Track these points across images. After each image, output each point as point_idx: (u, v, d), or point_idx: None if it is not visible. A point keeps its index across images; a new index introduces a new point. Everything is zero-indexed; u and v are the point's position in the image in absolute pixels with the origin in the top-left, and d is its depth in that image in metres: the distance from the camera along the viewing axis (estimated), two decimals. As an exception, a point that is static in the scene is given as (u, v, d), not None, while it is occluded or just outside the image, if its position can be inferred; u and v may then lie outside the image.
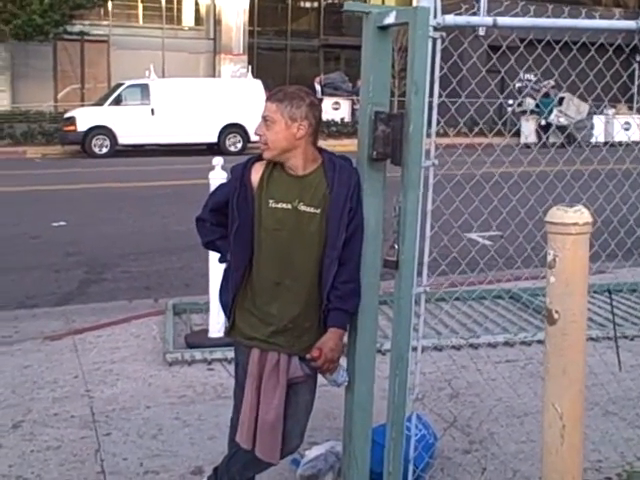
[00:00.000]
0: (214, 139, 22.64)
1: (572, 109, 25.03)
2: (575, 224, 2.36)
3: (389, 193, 3.11)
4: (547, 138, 21.57)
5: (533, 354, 5.22)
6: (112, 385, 4.86)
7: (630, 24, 3.44)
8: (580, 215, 2.38)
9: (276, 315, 3.01)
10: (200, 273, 6.84)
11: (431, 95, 3.02)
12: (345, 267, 2.99)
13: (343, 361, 3.17)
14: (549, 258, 2.44)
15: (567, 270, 2.42)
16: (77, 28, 26.89)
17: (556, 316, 2.49)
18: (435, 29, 2.93)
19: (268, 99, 2.98)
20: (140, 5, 31.94)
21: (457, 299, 6.23)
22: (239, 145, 22.75)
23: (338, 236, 2.95)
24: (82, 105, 26.12)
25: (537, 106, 25.60)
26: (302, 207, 2.95)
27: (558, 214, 2.40)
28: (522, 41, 3.85)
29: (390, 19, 3.01)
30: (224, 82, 26.43)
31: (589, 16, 3.79)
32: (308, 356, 2.96)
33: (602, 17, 4.43)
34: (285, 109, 2.92)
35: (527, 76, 24.45)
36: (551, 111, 24.54)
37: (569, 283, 2.44)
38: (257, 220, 2.98)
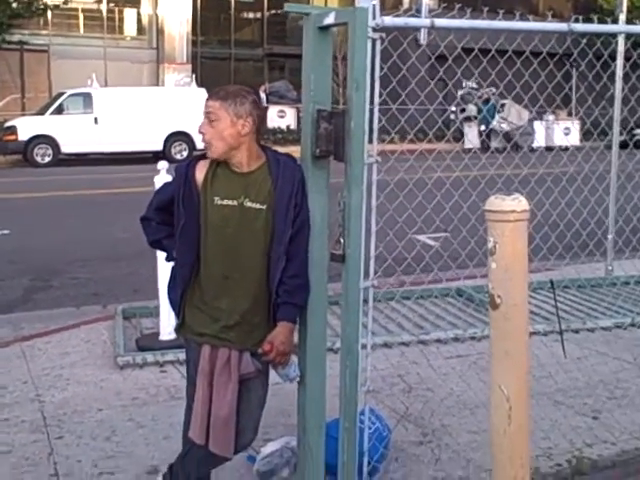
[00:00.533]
0: (159, 147, 22.55)
1: (513, 115, 25.53)
2: (513, 211, 2.48)
3: (333, 190, 3.19)
4: (489, 143, 21.96)
5: (483, 349, 5.34)
6: (63, 389, 4.84)
7: (562, 26, 3.58)
8: (518, 203, 2.49)
9: (225, 310, 3.05)
10: (148, 279, 6.81)
11: (372, 94, 3.11)
12: (292, 262, 3.05)
13: (295, 357, 3.24)
14: (489, 245, 2.55)
15: (507, 256, 2.53)
16: (16, 37, 26.51)
17: (498, 301, 2.59)
18: (374, 30, 3.02)
19: (210, 98, 3.01)
20: (81, 15, 31.63)
21: (405, 297, 6.34)
22: (185, 153, 22.70)
23: (284, 231, 3.01)
24: (23, 114, 25.74)
25: (479, 112, 26.07)
26: (248, 203, 3.00)
27: (497, 202, 2.51)
28: (466, 50, 4.00)
29: (330, 19, 3.10)
30: (168, 91, 26.35)
31: (523, 20, 3.93)
32: (260, 350, 3.01)
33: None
34: (230, 106, 2.96)
35: (469, 83, 24.90)
36: (492, 116, 24.99)
37: (509, 268, 2.55)
38: (203, 217, 3.01)
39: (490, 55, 4.09)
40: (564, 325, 5.45)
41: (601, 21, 3.93)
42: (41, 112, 22.83)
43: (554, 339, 5.36)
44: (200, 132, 3.01)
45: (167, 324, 5.40)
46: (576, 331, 5.85)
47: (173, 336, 5.18)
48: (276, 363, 3.08)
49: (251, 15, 36.98)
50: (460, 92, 25.04)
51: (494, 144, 22.79)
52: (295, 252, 3.06)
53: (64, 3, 26.43)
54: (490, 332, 2.68)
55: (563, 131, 25.46)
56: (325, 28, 3.17)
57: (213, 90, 3.06)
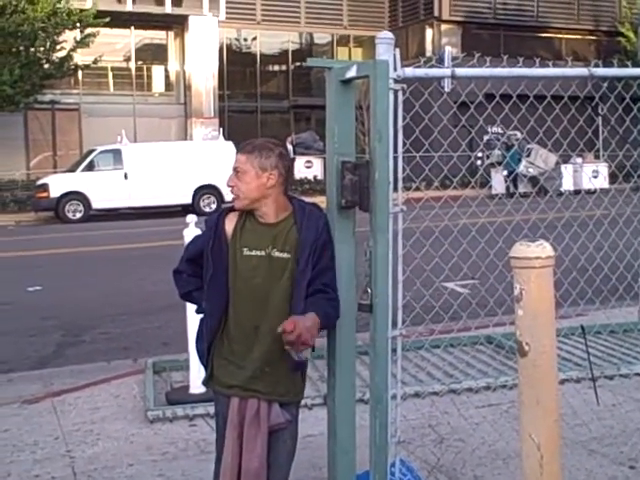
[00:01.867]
0: (188, 200, 22.82)
1: (540, 160, 25.53)
2: (538, 257, 2.47)
3: (360, 239, 3.20)
4: (515, 188, 21.89)
5: (514, 397, 5.24)
6: (93, 445, 4.84)
7: (583, 71, 3.61)
8: (542, 249, 2.49)
9: (254, 360, 3.06)
10: (178, 332, 6.85)
11: (395, 145, 3.15)
12: (322, 292, 3.04)
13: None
14: (516, 292, 2.55)
15: (534, 302, 2.52)
16: (48, 97, 27.20)
17: (526, 348, 2.57)
18: (395, 81, 3.07)
19: (238, 151, 3.10)
20: (110, 73, 32.40)
21: (435, 346, 6.29)
22: (213, 206, 22.93)
23: (304, 276, 3.02)
24: (55, 172, 26.26)
25: (504, 157, 26.12)
26: (275, 253, 3.05)
27: (521, 249, 2.51)
28: (488, 96, 4.03)
29: (352, 73, 3.16)
30: (196, 144, 26.77)
31: (543, 66, 3.96)
32: (280, 328, 2.85)
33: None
34: (255, 160, 3.03)
35: (494, 129, 24.99)
36: (517, 161, 24.99)
37: (537, 315, 2.54)
38: (232, 268, 3.06)
39: (512, 101, 4.12)
40: (597, 371, 5.36)
41: (622, 64, 3.95)
42: (72, 169, 23.29)
43: (587, 386, 5.27)
44: (228, 185, 3.08)
45: (197, 377, 5.39)
46: (610, 377, 5.75)
47: (203, 389, 5.18)
48: (292, 345, 2.89)
49: (276, 68, 37.66)
50: (485, 138, 25.15)
51: (521, 189, 22.77)
52: (317, 290, 3.02)
53: (94, 62, 27.06)
54: (519, 380, 2.66)
55: (591, 174, 25.38)
56: (347, 81, 3.23)
57: (242, 144, 3.14)
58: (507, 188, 21.77)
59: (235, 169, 3.06)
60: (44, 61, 25.98)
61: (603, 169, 25.59)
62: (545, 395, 2.60)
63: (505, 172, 24.53)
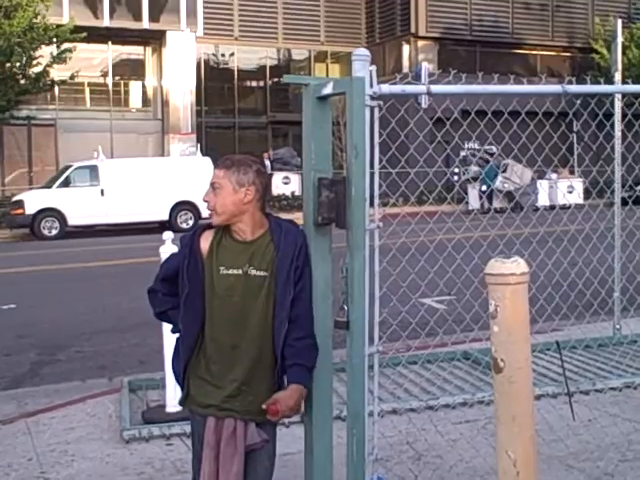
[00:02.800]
0: (165, 217, 22.74)
1: (515, 175, 25.70)
2: (512, 274, 2.48)
3: (336, 255, 3.20)
4: (490, 204, 21.97)
5: (492, 413, 5.26)
6: (68, 466, 4.77)
7: (556, 88, 3.64)
8: (517, 265, 2.50)
9: (232, 380, 3.04)
10: (155, 349, 6.80)
11: (372, 161, 3.16)
12: (297, 324, 3.04)
13: None
14: (491, 308, 2.55)
15: (509, 319, 2.53)
16: (24, 112, 27.00)
17: (502, 364, 2.58)
18: (372, 98, 3.08)
19: (216, 167, 3.08)
20: (87, 89, 32.28)
21: (412, 362, 6.29)
22: (190, 222, 22.84)
23: (285, 296, 3.02)
24: (30, 188, 26.06)
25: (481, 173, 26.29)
26: (252, 272, 3.03)
27: (496, 265, 2.52)
28: (464, 112, 4.06)
29: (328, 89, 3.17)
30: (173, 161, 26.71)
31: (518, 83, 3.99)
32: (264, 405, 2.94)
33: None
34: (233, 175, 3.02)
35: (470, 144, 25.16)
36: (493, 177, 25.13)
37: (512, 331, 2.54)
38: (209, 287, 3.04)
39: (487, 117, 4.15)
40: (573, 387, 5.38)
41: (596, 81, 4.00)
42: (48, 185, 23.12)
43: (563, 401, 5.29)
44: (204, 200, 3.06)
45: (173, 396, 5.35)
46: (585, 392, 5.77)
47: (179, 408, 5.12)
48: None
49: (254, 84, 37.75)
50: (462, 153, 25.31)
51: (496, 204, 22.91)
52: (298, 314, 3.05)
53: (71, 78, 26.94)
54: (495, 396, 2.66)
55: (566, 189, 25.59)
56: (324, 98, 3.24)
57: (221, 159, 3.12)
58: (482, 204, 21.86)
59: (212, 184, 3.04)
60: (20, 76, 25.81)
61: (578, 185, 25.82)
62: (521, 411, 2.61)
63: (484, 187, 24.66)
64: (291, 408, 2.98)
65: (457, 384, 6.01)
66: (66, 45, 26.18)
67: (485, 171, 25.36)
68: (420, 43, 35.62)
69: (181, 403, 3.23)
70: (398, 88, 3.26)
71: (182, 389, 3.17)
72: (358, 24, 38.22)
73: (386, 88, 3.16)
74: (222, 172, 3.03)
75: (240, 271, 3.03)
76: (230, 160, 3.08)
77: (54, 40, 25.97)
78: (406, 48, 36.01)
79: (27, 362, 7.79)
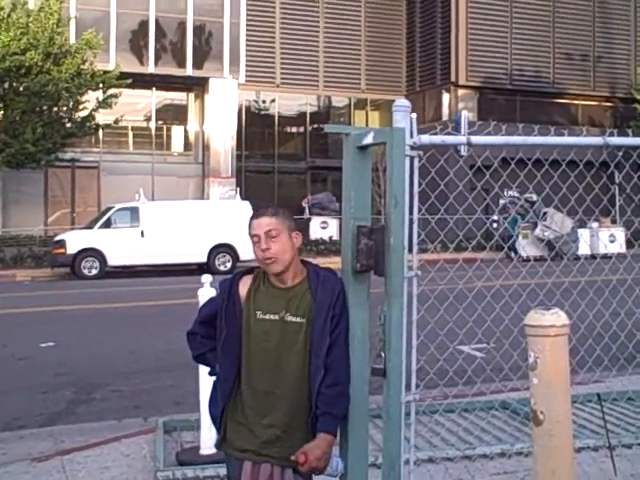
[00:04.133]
0: (204, 259, 22.88)
1: (554, 224, 25.53)
2: (552, 326, 2.47)
3: (374, 300, 3.20)
4: (515, 253, 21.61)
5: (530, 465, 5.17)
6: (102, 506, 4.79)
7: (598, 140, 3.65)
8: (557, 317, 2.49)
9: (267, 425, 3.04)
10: (190, 391, 6.81)
11: (411, 210, 3.18)
12: (330, 371, 3.04)
13: (335, 449, 3.16)
14: (530, 360, 2.53)
15: (549, 371, 2.51)
16: (68, 155, 27.56)
17: (541, 417, 2.55)
18: (412, 148, 3.12)
19: (261, 216, 3.09)
20: (130, 132, 32.91)
21: (449, 410, 6.22)
22: (228, 264, 22.96)
23: (322, 343, 3.02)
24: (72, 228, 26.49)
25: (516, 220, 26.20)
26: (289, 318, 3.05)
27: (536, 317, 2.50)
28: (504, 160, 4.07)
29: (368, 139, 3.20)
30: (213, 204, 26.99)
31: (558, 134, 4.00)
32: (293, 457, 2.95)
33: (574, 135, 4.66)
34: (284, 221, 3.08)
35: (511, 192, 25.07)
36: (514, 227, 25.01)
37: (551, 384, 2.52)
38: (245, 332, 3.07)
39: (527, 168, 4.16)
40: (614, 440, 5.27)
41: (638, 132, 3.99)
42: (90, 226, 23.47)
43: (604, 455, 5.18)
44: (263, 249, 3.03)
45: (208, 438, 5.35)
46: (628, 446, 5.64)
47: (214, 450, 5.12)
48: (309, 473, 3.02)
49: (294, 129, 38.16)
50: (501, 202, 25.22)
51: (537, 253, 22.71)
52: (332, 362, 3.05)
53: (115, 122, 27.50)
54: (534, 449, 2.63)
55: (608, 238, 25.34)
56: (364, 147, 3.28)
57: (258, 211, 3.14)
58: (506, 254, 21.60)
59: (268, 232, 3.04)
60: (66, 120, 26.42)
61: (619, 234, 25.54)
62: (561, 465, 2.57)
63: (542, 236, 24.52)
64: (318, 458, 2.96)
65: (495, 434, 5.92)
66: (112, 91, 26.78)
67: (508, 221, 25.21)
68: (460, 92, 35.80)
69: (217, 446, 3.24)
70: (438, 138, 3.29)
71: (218, 432, 3.18)
72: (399, 72, 38.58)
73: (426, 138, 3.19)
74: (274, 219, 3.06)
75: (277, 317, 3.05)
76: (272, 208, 3.13)
77: (100, 86, 26.59)
78: (446, 96, 36.22)
79: (63, 400, 7.86)
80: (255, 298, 3.09)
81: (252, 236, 3.08)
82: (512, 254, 20.83)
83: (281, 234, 3.05)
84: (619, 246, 22.67)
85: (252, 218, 3.12)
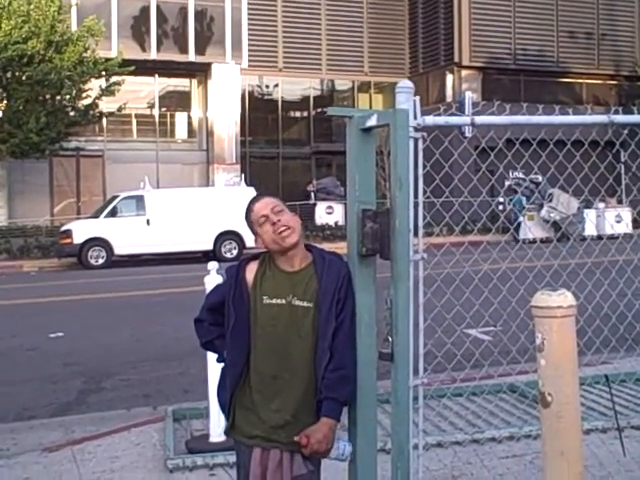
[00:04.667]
0: (210, 246, 22.89)
1: (561, 205, 25.45)
2: (559, 307, 2.45)
3: (380, 284, 3.19)
4: (517, 234, 21.43)
5: (539, 447, 5.17)
6: (112, 494, 4.80)
7: (602, 118, 3.61)
8: (564, 298, 2.47)
9: (276, 410, 3.04)
10: (199, 379, 6.83)
11: (416, 192, 3.16)
12: (334, 356, 3.03)
13: (344, 434, 3.16)
14: (537, 342, 2.52)
15: (556, 352, 2.49)
16: (73, 144, 27.58)
17: (549, 399, 2.54)
18: (416, 129, 3.09)
19: (261, 198, 3.14)
20: (134, 120, 32.86)
21: (457, 394, 6.21)
22: (235, 251, 22.97)
23: (327, 327, 3.02)
24: (78, 218, 26.52)
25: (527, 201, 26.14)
26: (296, 302, 3.04)
27: (543, 298, 2.49)
28: (509, 141, 4.04)
29: (372, 121, 3.18)
30: (218, 191, 26.97)
31: (563, 113, 3.97)
32: (296, 438, 2.95)
33: (579, 114, 4.62)
34: (280, 201, 3.12)
35: (516, 174, 24.99)
36: (520, 208, 24.89)
37: (559, 365, 2.51)
38: (253, 317, 3.06)
39: (532, 148, 4.13)
40: (623, 421, 5.26)
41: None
42: (95, 215, 23.51)
43: (613, 436, 5.17)
44: (275, 222, 3.03)
45: (217, 425, 5.36)
46: (636, 427, 5.62)
47: (223, 438, 5.14)
48: (312, 457, 3.02)
49: (298, 114, 38.07)
50: (506, 183, 25.13)
51: (543, 234, 22.67)
52: (337, 346, 3.04)
53: (119, 110, 27.47)
54: (542, 431, 2.62)
55: (614, 219, 25.26)
56: (368, 129, 3.25)
57: (255, 197, 3.18)
58: (512, 235, 21.48)
59: (273, 209, 3.06)
60: (70, 109, 26.43)
61: (626, 214, 25.45)
62: (569, 447, 2.56)
63: (521, 218, 24.43)
64: (319, 442, 2.95)
65: (503, 417, 5.91)
66: (114, 78, 26.74)
67: (513, 202, 25.13)
68: (464, 72, 35.64)
69: (226, 433, 3.24)
70: (442, 119, 3.26)
71: (227, 419, 3.18)
72: (402, 54, 38.41)
73: (430, 120, 3.16)
74: (274, 199, 3.11)
75: (284, 301, 3.05)
76: (266, 194, 3.19)
77: (103, 73, 26.55)
78: (449, 78, 36.05)
79: (74, 390, 7.88)
80: (262, 283, 3.08)
81: (258, 219, 3.07)
82: (517, 236, 20.75)
83: (285, 209, 3.09)
84: (625, 226, 22.60)
85: (252, 203, 3.13)
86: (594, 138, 4.30)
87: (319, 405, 3.05)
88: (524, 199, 25.28)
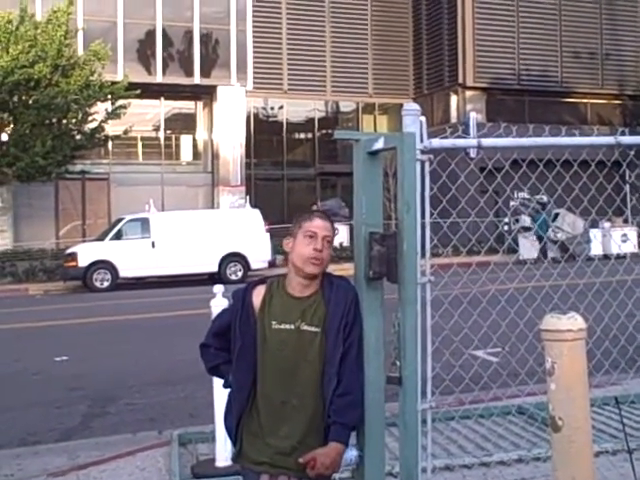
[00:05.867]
0: (215, 269, 22.86)
1: (566, 225, 25.41)
2: (569, 330, 2.43)
3: (388, 305, 3.17)
4: (545, 256, 21.53)
5: (548, 471, 5.10)
6: (118, 520, 4.76)
7: (609, 140, 3.61)
8: (574, 322, 2.44)
9: (284, 436, 3.01)
10: (205, 403, 6.79)
11: (423, 214, 3.14)
12: (342, 380, 3.01)
13: (351, 439, 3.13)
14: (547, 365, 2.49)
15: (566, 376, 2.46)
16: (78, 167, 27.62)
17: (560, 423, 2.50)
18: (422, 152, 3.08)
19: (324, 219, 3.12)
20: (140, 143, 32.99)
21: (465, 417, 6.16)
22: (240, 273, 22.94)
23: (335, 352, 3.00)
24: (83, 241, 26.54)
25: (533, 222, 26.10)
26: (304, 327, 3.03)
27: (552, 322, 2.46)
28: (515, 162, 4.02)
29: (379, 144, 3.17)
30: (223, 213, 26.99)
31: (569, 134, 3.95)
32: (301, 460, 2.93)
33: (584, 135, 4.62)
34: (333, 238, 3.12)
35: (521, 194, 24.96)
36: (546, 229, 24.87)
37: (570, 389, 2.48)
38: (260, 341, 3.04)
39: (539, 169, 4.12)
40: (633, 444, 5.19)
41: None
42: (101, 238, 23.52)
43: (624, 459, 5.11)
44: (318, 249, 3.03)
45: (223, 450, 5.32)
46: (647, 449, 5.57)
47: (229, 462, 5.10)
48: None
49: (302, 136, 38.17)
50: (512, 203, 25.10)
51: (549, 255, 22.62)
52: (344, 370, 3.02)
53: (124, 133, 27.57)
54: (553, 455, 2.58)
55: (620, 238, 25.20)
56: (374, 153, 3.25)
57: (318, 213, 3.18)
58: (543, 254, 21.41)
59: (325, 237, 3.07)
60: (76, 132, 26.50)
61: (632, 234, 25.39)
62: (581, 472, 2.52)
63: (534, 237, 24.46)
64: (327, 467, 2.95)
65: (512, 440, 5.86)
66: (120, 101, 26.85)
67: (538, 223, 25.09)
68: (468, 93, 35.73)
69: (234, 460, 3.21)
70: (449, 142, 3.26)
71: (234, 445, 3.14)
72: (406, 76, 38.55)
73: (437, 142, 3.16)
74: (331, 228, 3.11)
75: (292, 326, 3.03)
76: (324, 212, 3.22)
77: (109, 97, 26.67)
78: (454, 98, 36.15)
79: (78, 414, 7.84)
80: (270, 308, 3.07)
81: (307, 232, 3.06)
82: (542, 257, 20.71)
83: (330, 244, 3.10)
84: (632, 246, 22.53)
85: (313, 217, 3.12)
86: (600, 158, 4.28)
87: (327, 430, 3.02)
88: (547, 218, 25.07)
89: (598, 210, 4.86)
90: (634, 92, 37.56)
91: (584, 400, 2.52)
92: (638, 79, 37.81)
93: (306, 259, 3.02)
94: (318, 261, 3.02)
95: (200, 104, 33.78)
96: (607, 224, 25.96)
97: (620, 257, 10.55)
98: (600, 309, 4.36)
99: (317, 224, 3.06)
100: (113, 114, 26.67)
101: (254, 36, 32.32)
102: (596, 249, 22.91)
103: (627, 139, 3.61)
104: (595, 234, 25.09)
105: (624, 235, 25.36)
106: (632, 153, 4.18)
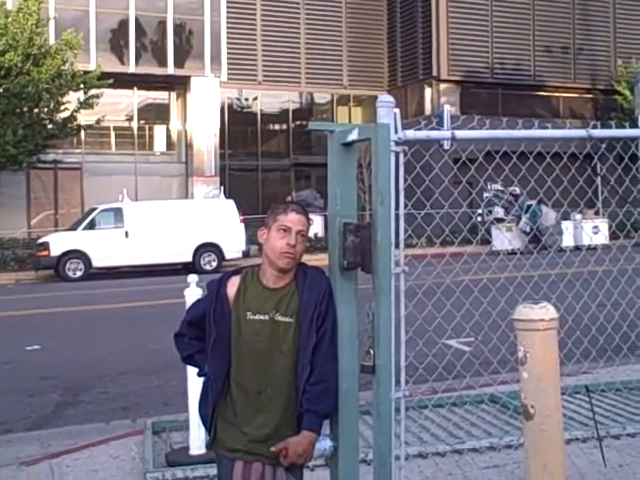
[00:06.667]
0: (189, 258, 22.81)
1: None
2: (541, 320, 2.47)
3: (362, 296, 3.19)
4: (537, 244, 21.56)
5: (520, 458, 5.18)
6: (91, 509, 4.75)
7: (581, 132, 3.65)
8: (546, 311, 2.49)
9: (259, 425, 3.03)
10: (178, 391, 6.79)
11: (397, 205, 3.17)
12: (315, 369, 3.04)
13: (325, 428, 3.15)
14: (520, 355, 2.53)
15: (538, 365, 2.51)
16: (50, 157, 27.38)
17: (532, 411, 2.55)
18: (397, 143, 3.10)
19: (299, 213, 3.10)
20: (112, 133, 32.71)
21: (438, 405, 6.22)
22: (214, 263, 22.91)
23: (308, 342, 3.03)
24: (56, 230, 26.32)
25: (506, 213, 26.27)
26: (278, 317, 3.05)
27: (525, 311, 2.50)
28: (488, 153, 4.06)
29: (353, 136, 3.19)
30: (197, 203, 26.87)
31: (542, 127, 4.00)
32: (273, 448, 2.95)
33: (557, 128, 4.66)
34: (307, 232, 3.12)
35: (495, 186, 25.12)
36: (532, 220, 25.01)
37: (541, 378, 2.52)
38: (235, 332, 3.05)
39: (512, 161, 4.16)
40: (603, 431, 5.29)
41: (620, 123, 4.00)
42: (73, 228, 23.35)
43: (593, 446, 5.20)
44: (290, 244, 3.03)
45: (197, 438, 5.34)
46: (616, 437, 5.66)
47: (203, 451, 5.12)
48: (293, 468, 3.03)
49: (277, 127, 38.09)
50: (486, 195, 25.27)
51: (520, 246, 22.80)
52: (317, 360, 3.05)
53: (97, 123, 27.33)
54: (525, 443, 2.63)
55: (592, 230, 25.49)
56: (348, 144, 3.26)
57: (294, 206, 3.14)
58: (534, 241, 21.42)
59: (299, 232, 3.06)
60: (48, 121, 26.23)
61: (603, 226, 25.69)
62: (552, 459, 2.57)
63: (528, 229, 24.57)
64: (299, 455, 2.98)
65: (484, 428, 5.93)
66: (93, 91, 26.60)
67: (529, 213, 25.16)
68: (442, 86, 35.84)
69: (208, 447, 3.22)
70: (423, 134, 3.28)
71: (209, 433, 3.16)
72: (381, 68, 38.58)
73: (411, 134, 3.18)
74: (304, 219, 3.09)
75: (267, 317, 3.05)
76: (299, 204, 3.17)
77: (81, 86, 26.41)
78: (428, 91, 36.25)
79: (50, 403, 7.80)
80: (245, 298, 3.08)
81: (281, 225, 3.06)
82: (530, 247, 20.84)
83: (304, 240, 3.09)
84: (603, 237, 22.79)
85: (288, 210, 3.10)
86: (572, 151, 4.33)
87: (300, 418, 3.04)
88: (543, 207, 24.93)
89: (570, 202, 4.93)
90: (605, 86, 37.91)
91: (556, 388, 2.57)
92: (610, 74, 38.16)
93: (279, 253, 3.04)
94: (291, 255, 3.04)
95: (174, 94, 33.57)
96: (579, 216, 26.25)
97: (591, 248, 10.68)
98: (571, 299, 4.43)
99: (291, 218, 3.06)
100: (85, 104, 26.43)
101: (228, 27, 32.14)
102: (568, 240, 23.13)
103: (598, 132, 3.66)
104: (567, 226, 25.32)
105: (595, 227, 25.67)
106: (603, 146, 4.24)
